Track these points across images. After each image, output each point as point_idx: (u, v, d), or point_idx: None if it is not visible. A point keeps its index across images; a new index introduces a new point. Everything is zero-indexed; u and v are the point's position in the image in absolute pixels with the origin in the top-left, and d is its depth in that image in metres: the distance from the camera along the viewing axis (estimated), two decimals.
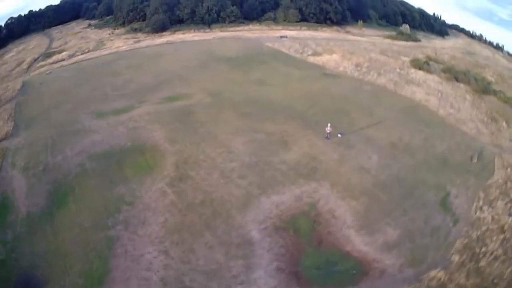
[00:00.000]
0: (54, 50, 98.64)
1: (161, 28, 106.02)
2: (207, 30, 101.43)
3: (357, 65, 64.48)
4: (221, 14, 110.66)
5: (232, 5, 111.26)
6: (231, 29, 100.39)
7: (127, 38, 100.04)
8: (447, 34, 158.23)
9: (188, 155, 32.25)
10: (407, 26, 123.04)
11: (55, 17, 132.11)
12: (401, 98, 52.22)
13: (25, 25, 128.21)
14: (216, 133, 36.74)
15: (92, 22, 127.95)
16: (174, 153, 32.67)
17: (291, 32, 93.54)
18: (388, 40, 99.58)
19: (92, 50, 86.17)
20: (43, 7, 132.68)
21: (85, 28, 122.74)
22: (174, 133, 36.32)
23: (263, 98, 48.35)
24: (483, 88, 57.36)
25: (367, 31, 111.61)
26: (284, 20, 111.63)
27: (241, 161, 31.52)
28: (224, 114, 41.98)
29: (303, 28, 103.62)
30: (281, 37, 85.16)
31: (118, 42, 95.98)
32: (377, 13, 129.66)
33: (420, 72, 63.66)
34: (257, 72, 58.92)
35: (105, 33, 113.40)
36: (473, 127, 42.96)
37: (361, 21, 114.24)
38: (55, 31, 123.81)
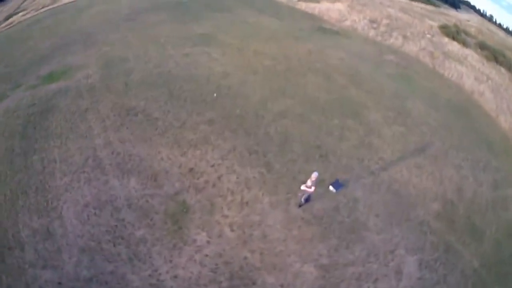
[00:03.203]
0: (17, 10, 68.35)
1: None
2: None
3: (372, 21, 36.96)
4: None
5: None
6: None
7: None
8: (459, 7, 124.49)
9: None
10: None
11: None
12: (445, 83, 29.09)
13: None
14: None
15: None
16: None
17: None
18: (405, 0, 68.28)
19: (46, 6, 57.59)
20: None
21: None
22: None
23: (191, 73, 22.87)
24: None
25: None
26: None
27: None
28: (93, 115, 18.46)
29: None
30: None
31: None
32: None
33: (455, 44, 40.12)
34: (206, 24, 31.85)
35: None
36: None
37: None
38: None
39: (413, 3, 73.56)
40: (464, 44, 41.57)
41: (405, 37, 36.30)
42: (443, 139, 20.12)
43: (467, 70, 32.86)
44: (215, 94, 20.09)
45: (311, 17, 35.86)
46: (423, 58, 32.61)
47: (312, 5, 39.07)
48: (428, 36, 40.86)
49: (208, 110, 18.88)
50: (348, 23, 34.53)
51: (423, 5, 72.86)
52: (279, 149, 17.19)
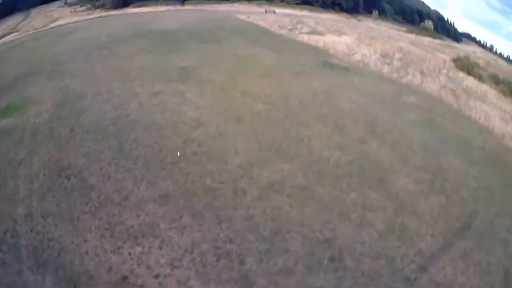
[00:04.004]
0: (12, 31, 70.03)
1: (123, 3, 72.87)
2: (178, 7, 67.71)
3: (384, 55, 30.96)
4: None
5: None
6: (209, 7, 65.52)
7: (81, 15, 70.56)
8: (460, 40, 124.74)
9: None
10: (430, 22, 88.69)
11: None
12: (474, 127, 23.22)
13: (12, 4, 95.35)
14: None
15: (69, 1, 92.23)
16: None
17: (285, 10, 62.73)
18: (412, 35, 66.69)
19: (35, 30, 60.81)
20: None
21: (61, 6, 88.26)
22: None
23: (154, 120, 17.05)
24: None
25: (383, 24, 78.18)
26: (282, 1, 75.14)
27: None
28: (25, 170, 13.89)
29: (303, 10, 69.54)
30: (266, 11, 49.10)
31: (66, 19, 66.90)
32: (393, 8, 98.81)
33: (471, 79, 35.68)
34: (190, 55, 26.78)
35: (68, 10, 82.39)
36: None
37: (377, 12, 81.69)
38: (35, 10, 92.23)
39: (419, 37, 69.50)
40: (480, 78, 37.19)
41: (422, 73, 30.86)
42: (486, 205, 14.91)
43: (491, 109, 27.66)
44: (178, 153, 13.92)
45: (315, 50, 30.86)
46: (446, 97, 26.98)
47: (315, 37, 34.65)
48: (444, 71, 35.71)
49: (164, 179, 12.61)
50: (358, 57, 29.29)
51: (430, 39, 68.79)
52: (267, 248, 10.67)
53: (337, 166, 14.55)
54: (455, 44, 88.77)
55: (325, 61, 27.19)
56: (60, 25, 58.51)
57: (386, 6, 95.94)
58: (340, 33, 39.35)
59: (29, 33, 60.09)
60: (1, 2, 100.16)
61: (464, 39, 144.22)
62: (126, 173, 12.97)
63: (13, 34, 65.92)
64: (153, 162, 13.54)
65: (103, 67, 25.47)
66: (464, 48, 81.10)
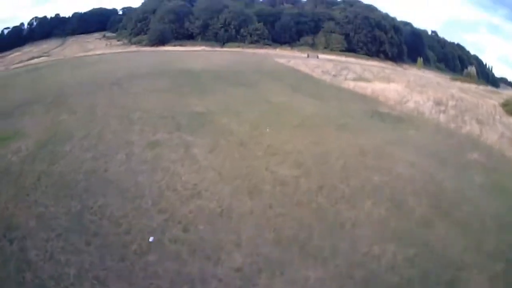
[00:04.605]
0: (43, 54, 74.40)
1: (160, 41, 71.78)
2: (217, 48, 66.32)
3: (438, 103, 26.53)
4: (242, 31, 73.03)
5: (258, 22, 73.78)
6: (249, 50, 63.91)
7: (115, 49, 72.10)
8: (498, 85, 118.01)
9: None
10: (473, 68, 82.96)
11: (80, 26, 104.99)
12: None
13: (48, 29, 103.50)
14: None
15: (108, 34, 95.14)
16: None
17: (329, 56, 58.95)
18: (457, 82, 60.93)
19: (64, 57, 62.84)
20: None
21: (98, 38, 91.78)
22: None
23: (136, 181, 12.62)
24: None
25: (427, 71, 72.83)
26: (326, 48, 72.01)
27: None
28: None
29: (348, 57, 65.42)
30: (309, 56, 46.64)
31: (99, 51, 68.11)
32: (435, 55, 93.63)
33: None
34: (212, 99, 23.50)
35: (104, 43, 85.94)
36: None
37: (421, 59, 75.60)
38: (73, 39, 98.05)
39: (465, 84, 65.02)
40: None
41: (478, 121, 25.91)
42: None
43: None
44: (151, 239, 9.43)
45: (362, 98, 26.24)
46: (507, 150, 21.63)
47: (362, 84, 30.32)
48: (497, 117, 30.99)
49: (119, 278, 8.20)
50: (411, 105, 24.84)
51: (475, 85, 64.06)
52: None
53: (392, 270, 9.49)
54: (497, 89, 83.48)
55: (375, 110, 22.57)
56: (85, 56, 58.03)
57: (429, 53, 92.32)
58: (388, 80, 35.07)
59: (56, 59, 61.87)
60: (37, 24, 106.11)
61: (501, 84, 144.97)
62: (72, 256, 9.13)
63: (41, 58, 68.87)
64: (112, 247, 9.28)
65: (106, 104, 22.33)
66: (507, 93, 75.68)
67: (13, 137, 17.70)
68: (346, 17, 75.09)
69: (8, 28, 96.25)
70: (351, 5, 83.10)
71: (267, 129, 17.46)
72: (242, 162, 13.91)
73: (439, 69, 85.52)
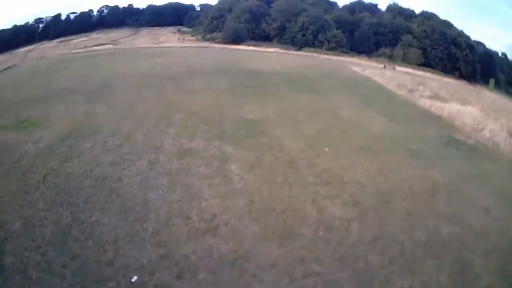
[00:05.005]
0: (111, 42, 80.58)
1: (234, 40, 74.30)
2: (292, 52, 68.18)
3: None
4: (319, 36, 74.56)
5: (337, 29, 75.45)
6: (325, 56, 66.00)
7: (185, 43, 77.05)
8: None
9: None
10: None
11: (155, 18, 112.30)
12: None
13: (119, 18, 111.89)
14: None
15: (183, 29, 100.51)
16: None
17: (405, 69, 59.58)
18: None
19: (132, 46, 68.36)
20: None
21: (173, 32, 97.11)
22: None
23: (145, 199, 11.39)
24: None
25: (497, 94, 69.26)
26: (403, 61, 73.29)
27: None
28: None
29: (424, 72, 66.81)
30: (385, 67, 55.08)
31: (169, 44, 73.97)
32: (505, 77, 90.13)
33: None
34: (272, 105, 22.73)
35: (177, 37, 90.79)
36: None
37: (493, 81, 74.49)
38: (146, 30, 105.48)
39: None
40: None
41: None
42: None
43: None
44: (134, 278, 7.92)
45: (437, 120, 24.71)
46: None
47: (439, 104, 29.68)
48: None
49: None
50: (486, 133, 23.18)
51: None
52: None
53: None
54: None
55: (450, 137, 20.94)
56: (151, 47, 61.09)
57: (500, 75, 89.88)
58: (464, 101, 33.85)
59: (120, 48, 67.04)
60: (108, 12, 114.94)
61: None
62: (44, 275, 8.31)
63: (107, 46, 74.68)
64: (87, 277, 8.18)
65: (150, 100, 22.56)
66: None
67: (40, 125, 18.30)
68: (424, 31, 78.45)
69: (75, 13, 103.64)
70: (428, 19, 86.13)
71: (326, 149, 15.96)
72: (285, 189, 12.17)
73: (508, 92, 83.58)
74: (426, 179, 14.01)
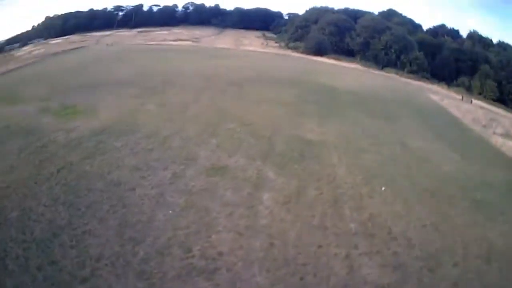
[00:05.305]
0: (191, 39, 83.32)
1: (316, 51, 73.98)
2: (372, 70, 66.94)
3: None
4: (402, 57, 73.52)
5: (419, 51, 74.96)
6: (404, 79, 64.19)
7: (267, 48, 78.02)
8: None
9: None
10: None
11: (241, 20, 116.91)
12: None
13: (204, 17, 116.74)
14: None
15: (268, 34, 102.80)
16: None
17: (480, 103, 57.49)
18: None
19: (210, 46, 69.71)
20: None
21: (258, 37, 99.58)
22: None
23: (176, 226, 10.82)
24: None
25: None
26: (480, 94, 69.91)
27: None
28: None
29: (498, 107, 62.87)
30: (463, 98, 53.71)
31: (251, 47, 75.78)
32: None
33: None
34: (334, 125, 21.46)
35: (260, 41, 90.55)
36: None
37: None
38: (231, 31, 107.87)
39: None
40: None
41: None
42: None
43: None
44: None
45: (508, 163, 23.23)
46: None
47: (511, 143, 29.43)
48: None
49: None
50: None
51: None
52: None
53: None
54: None
55: None
56: (229, 48, 62.52)
57: None
58: None
59: (197, 45, 69.90)
60: (193, 10, 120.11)
61: None
62: (19, 271, 8.57)
63: (187, 42, 77.05)
64: None
65: (204, 105, 22.66)
66: None
67: (83, 113, 19.04)
68: (500, 61, 76.32)
69: (158, 5, 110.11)
70: (505, 49, 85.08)
71: (383, 188, 14.38)
72: (318, 235, 10.91)
73: None
74: (484, 242, 12.43)
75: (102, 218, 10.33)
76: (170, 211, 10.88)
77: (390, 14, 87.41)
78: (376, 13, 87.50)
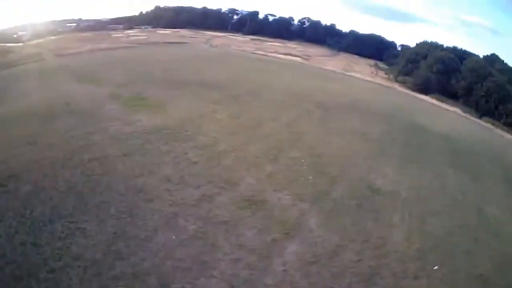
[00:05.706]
0: (302, 56, 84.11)
1: (424, 89, 72.33)
2: (470, 117, 64.80)
3: None
4: (500, 107, 68.67)
5: None
6: (500, 131, 59.71)
7: (374, 78, 76.18)
8: None
9: None
10: None
11: (354, 45, 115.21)
12: None
13: (320, 35, 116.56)
14: None
15: (381, 64, 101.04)
16: None
17: None
18: None
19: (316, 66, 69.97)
20: None
21: (371, 65, 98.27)
22: None
23: None
24: None
25: None
26: None
27: None
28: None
29: None
30: None
31: (359, 74, 75.37)
32: None
33: None
34: (411, 172, 18.99)
35: (370, 70, 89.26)
36: None
37: None
38: (344, 55, 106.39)
39: None
40: None
41: None
42: None
43: None
44: None
45: None
46: None
47: None
48: None
49: None
50: None
51: None
52: None
53: None
54: None
55: None
56: (334, 71, 63.98)
57: None
58: None
59: (309, 65, 70.65)
60: (309, 25, 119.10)
61: None
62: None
63: (297, 58, 77.59)
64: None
65: (278, 125, 21.70)
66: None
67: (152, 108, 19.27)
68: None
69: (274, 16, 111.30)
70: None
71: (435, 267, 11.58)
72: None
73: None
74: None
75: (102, 221, 9.77)
76: (174, 237, 9.73)
77: (493, 60, 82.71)
78: (481, 55, 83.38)
